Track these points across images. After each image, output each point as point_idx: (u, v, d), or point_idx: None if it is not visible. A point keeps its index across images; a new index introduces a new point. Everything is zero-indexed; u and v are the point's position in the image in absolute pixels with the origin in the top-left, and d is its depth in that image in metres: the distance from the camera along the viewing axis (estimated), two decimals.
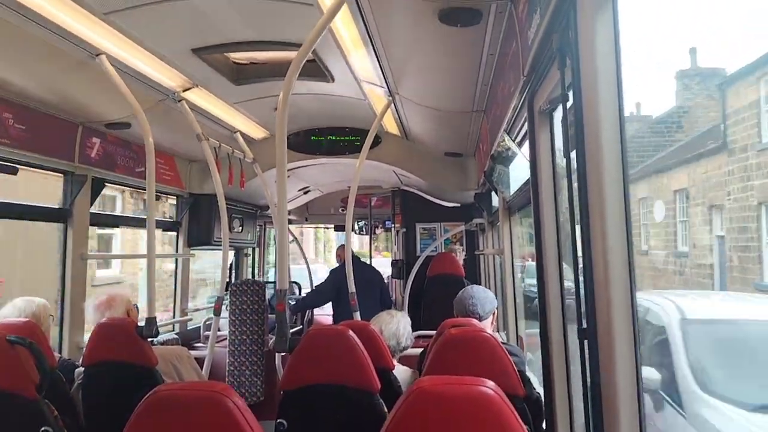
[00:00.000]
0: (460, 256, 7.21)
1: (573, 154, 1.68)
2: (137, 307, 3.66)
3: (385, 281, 7.22)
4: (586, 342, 1.65)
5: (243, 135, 5.01)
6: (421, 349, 3.56)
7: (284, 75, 2.65)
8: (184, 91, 3.90)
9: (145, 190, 3.63)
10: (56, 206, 4.17)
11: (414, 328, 5.82)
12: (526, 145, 2.88)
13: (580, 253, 1.65)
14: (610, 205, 1.50)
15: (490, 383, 1.39)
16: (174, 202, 5.81)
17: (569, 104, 1.71)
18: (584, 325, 1.66)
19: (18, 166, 3.66)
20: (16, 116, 3.52)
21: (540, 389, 2.85)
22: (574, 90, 1.59)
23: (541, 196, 2.39)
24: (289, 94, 2.74)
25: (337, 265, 7.13)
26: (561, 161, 2.38)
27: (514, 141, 3.11)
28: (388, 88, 3.90)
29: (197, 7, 2.90)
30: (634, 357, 1.50)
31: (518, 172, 3.94)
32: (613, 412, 1.51)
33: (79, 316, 4.04)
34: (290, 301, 7.80)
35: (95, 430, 2.99)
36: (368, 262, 7.63)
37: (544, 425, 2.57)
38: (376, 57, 3.33)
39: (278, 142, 2.76)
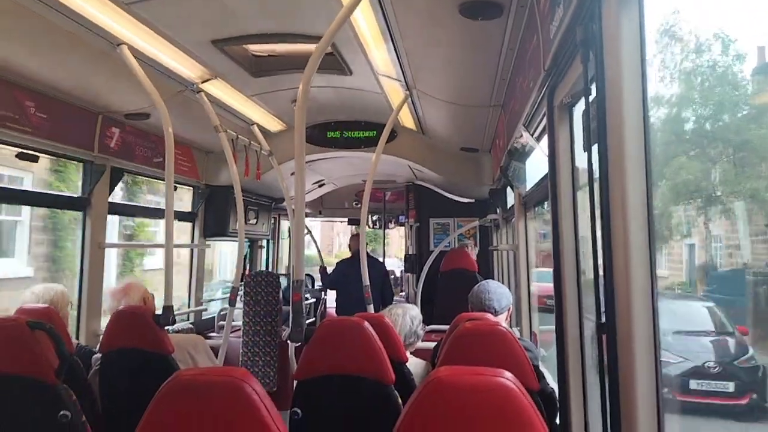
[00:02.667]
0: (473, 251, 7.19)
1: (594, 149, 1.67)
2: (154, 296, 3.70)
3: (390, 274, 7.32)
4: (604, 337, 1.64)
5: (260, 127, 5.03)
6: (434, 343, 3.56)
7: (302, 67, 2.66)
8: (203, 82, 3.92)
9: (163, 180, 3.66)
10: (75, 195, 4.22)
11: (426, 322, 5.87)
12: (544, 140, 2.87)
13: (600, 248, 1.64)
14: (632, 199, 1.49)
15: (508, 374, 1.39)
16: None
17: (591, 98, 1.70)
18: (603, 320, 1.65)
19: (38, 153, 3.71)
20: (37, 105, 3.55)
21: (553, 385, 2.84)
22: (597, 84, 1.58)
23: (559, 191, 2.38)
24: (308, 86, 2.74)
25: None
26: (579, 156, 2.37)
27: (532, 135, 3.10)
28: (405, 81, 3.90)
29: None
30: (653, 353, 1.49)
31: (534, 168, 3.93)
32: (631, 408, 1.50)
33: (97, 304, 4.09)
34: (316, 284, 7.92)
35: (112, 415, 3.02)
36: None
37: (557, 420, 2.56)
38: (395, 50, 3.32)
39: (297, 135, 2.77)
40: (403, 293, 8.87)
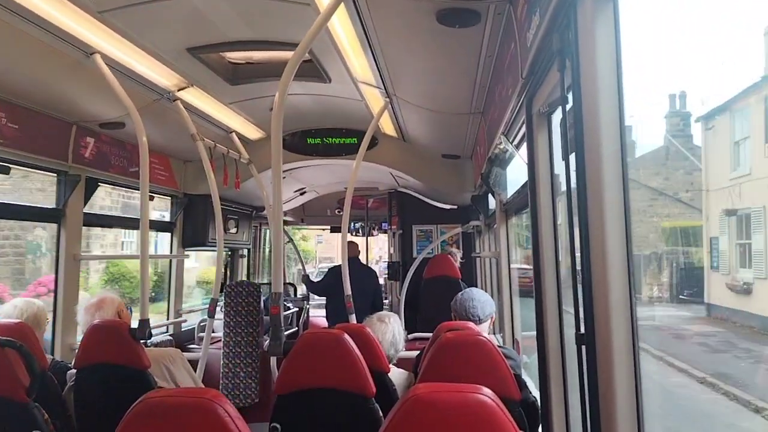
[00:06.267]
0: (458, 257, 7.18)
1: (572, 157, 1.66)
2: (130, 309, 3.63)
3: (380, 282, 7.31)
4: (584, 347, 1.62)
5: (238, 135, 4.98)
6: (417, 352, 3.53)
7: (280, 75, 2.63)
8: (179, 90, 3.87)
9: (139, 189, 3.59)
10: (50, 206, 4.14)
11: (410, 330, 5.86)
12: (524, 148, 2.86)
13: (578, 257, 1.63)
14: (609, 208, 1.48)
15: (487, 390, 1.36)
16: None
17: (569, 106, 1.68)
18: (582, 330, 1.64)
19: (10, 165, 3.63)
20: (9, 115, 3.48)
21: (536, 392, 2.83)
22: (574, 92, 1.57)
23: (538, 198, 2.36)
24: (285, 94, 2.71)
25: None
26: (559, 164, 2.36)
27: (512, 143, 3.09)
28: (385, 89, 3.88)
29: (193, 5, 2.88)
30: (633, 363, 1.48)
31: (515, 174, 3.93)
32: (611, 418, 1.48)
33: (72, 317, 4.00)
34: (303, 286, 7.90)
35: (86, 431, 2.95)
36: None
37: (540, 429, 2.54)
38: (374, 58, 3.30)
39: (274, 143, 2.73)
40: (387, 300, 8.83)
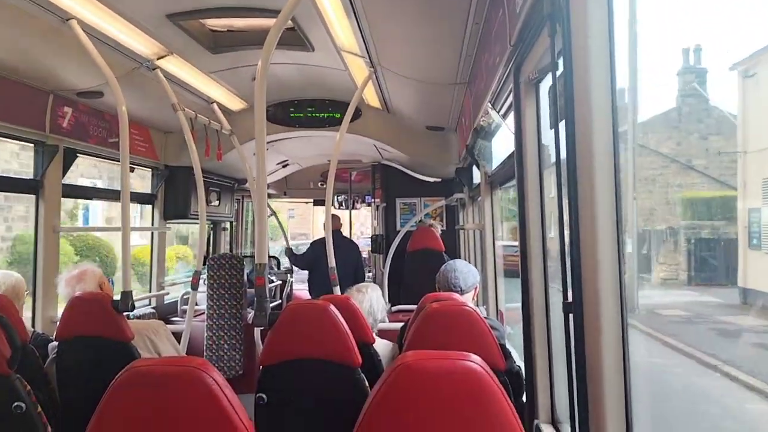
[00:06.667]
0: (438, 230, 7.19)
1: (561, 125, 1.64)
2: (112, 281, 3.58)
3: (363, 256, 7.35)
4: (571, 316, 1.62)
5: (220, 106, 4.90)
6: (401, 324, 3.54)
7: (262, 43, 2.57)
8: (158, 59, 3.78)
9: (119, 161, 3.53)
10: (27, 177, 4.06)
11: (393, 302, 5.88)
12: (510, 118, 2.84)
13: (567, 226, 1.62)
14: (599, 175, 1.46)
15: (476, 358, 1.36)
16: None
17: (559, 73, 1.66)
18: (569, 299, 1.64)
19: None
20: None
21: (520, 362, 2.85)
22: (565, 57, 1.54)
23: (525, 169, 2.35)
24: (268, 63, 2.66)
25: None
26: (546, 135, 2.35)
27: (498, 113, 3.06)
28: (369, 58, 3.82)
29: None
30: (620, 330, 1.48)
31: (501, 147, 3.91)
32: (598, 385, 1.49)
33: (52, 290, 3.95)
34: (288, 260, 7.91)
35: (70, 404, 2.92)
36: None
37: (524, 398, 2.57)
38: (358, 25, 3.24)
39: (257, 113, 2.69)
40: (370, 273, 8.85)
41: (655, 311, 12.82)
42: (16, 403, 2.30)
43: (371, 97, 5.13)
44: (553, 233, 2.25)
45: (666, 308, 13.29)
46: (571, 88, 1.52)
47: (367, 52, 3.71)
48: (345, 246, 6.67)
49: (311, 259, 6.88)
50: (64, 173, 4.17)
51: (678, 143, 18.81)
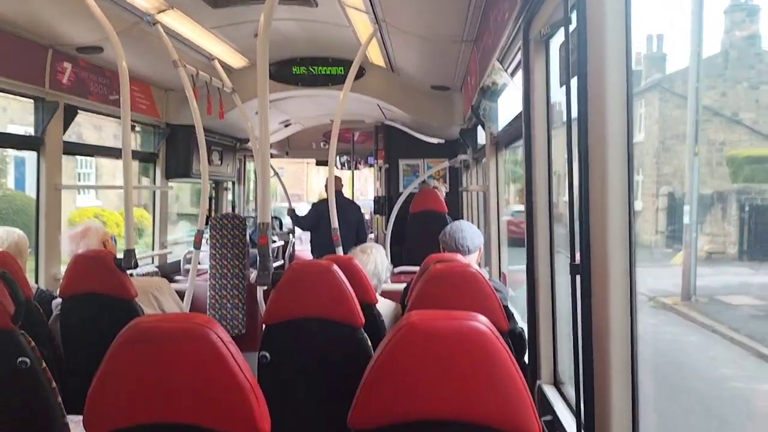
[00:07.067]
0: (442, 192, 7.16)
1: (573, 82, 1.59)
2: (115, 239, 3.58)
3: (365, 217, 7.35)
4: (578, 278, 1.61)
5: (222, 63, 4.81)
6: (404, 284, 3.54)
7: None
8: (159, 13, 3.70)
9: (119, 118, 3.48)
10: (28, 134, 4.02)
11: (396, 263, 5.89)
12: (518, 77, 2.78)
13: (576, 187, 1.59)
14: (611, 134, 1.43)
15: (482, 318, 1.34)
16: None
17: (572, 28, 1.60)
18: (577, 261, 1.62)
19: None
20: None
21: (522, 324, 2.86)
22: (578, 11, 1.49)
23: (533, 128, 2.31)
24: (270, 18, 2.59)
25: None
26: (555, 94, 2.30)
27: (506, 72, 3.00)
28: (374, 14, 3.73)
29: None
30: (629, 294, 1.46)
31: (507, 107, 3.85)
32: (604, 347, 1.48)
33: (55, 247, 3.95)
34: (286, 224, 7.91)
35: (74, 360, 2.95)
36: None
37: (526, 358, 2.58)
38: None
39: (259, 71, 2.63)
40: (372, 235, 8.86)
41: (718, 298, 10.10)
42: (20, 359, 2.30)
43: (375, 55, 5.04)
44: (560, 194, 2.22)
45: (727, 293, 10.38)
46: (584, 44, 1.47)
47: (372, 8, 3.62)
48: (347, 207, 6.66)
49: (314, 219, 6.88)
50: (65, 130, 4.13)
51: (723, 94, 16.19)
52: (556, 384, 2.34)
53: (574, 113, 1.59)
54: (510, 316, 2.69)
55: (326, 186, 7.33)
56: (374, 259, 3.33)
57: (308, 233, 7.41)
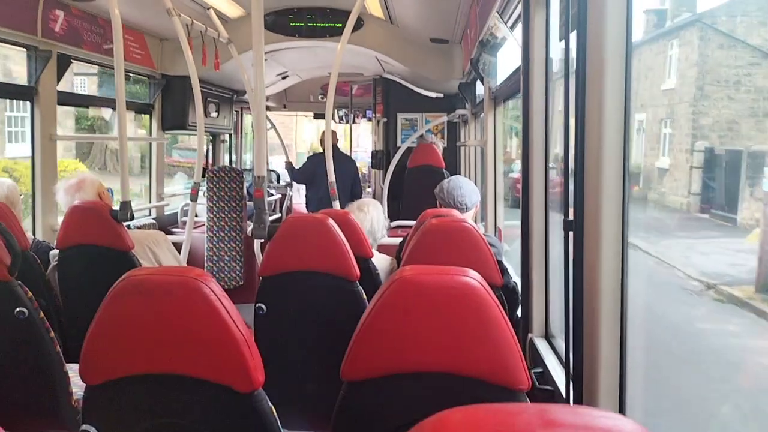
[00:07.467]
0: (440, 147, 7.13)
1: (572, 36, 1.57)
2: (111, 191, 3.57)
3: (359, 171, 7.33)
4: (571, 234, 1.62)
5: (217, 12, 4.71)
6: (400, 239, 3.56)
7: None
8: None
9: (113, 68, 3.43)
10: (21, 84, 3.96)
11: (392, 218, 5.90)
12: (518, 31, 2.74)
13: (572, 143, 1.58)
14: (609, 90, 1.41)
15: (474, 273, 1.36)
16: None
17: None
18: (570, 217, 1.62)
19: None
20: None
21: (516, 278, 2.89)
22: None
23: (531, 82, 2.28)
24: None
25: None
26: (554, 49, 2.26)
27: (506, 25, 2.95)
28: None
29: None
30: (620, 250, 1.47)
31: (506, 61, 3.80)
32: (595, 301, 1.50)
33: (51, 198, 3.95)
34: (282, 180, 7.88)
35: (72, 311, 2.98)
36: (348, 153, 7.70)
37: (519, 312, 2.61)
38: None
39: (254, 21, 2.59)
40: (370, 189, 8.85)
41: None
42: (18, 309, 2.33)
43: (374, 5, 4.94)
44: (558, 149, 2.21)
45: None
46: None
47: None
48: (342, 161, 6.63)
49: (310, 173, 6.85)
50: (59, 80, 4.07)
51: None
52: (548, 337, 2.38)
53: (573, 68, 1.57)
54: (504, 271, 2.71)
55: (321, 140, 7.31)
56: (371, 218, 3.33)
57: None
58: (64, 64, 4.08)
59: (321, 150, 6.21)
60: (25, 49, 3.90)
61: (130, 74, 5.19)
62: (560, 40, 1.72)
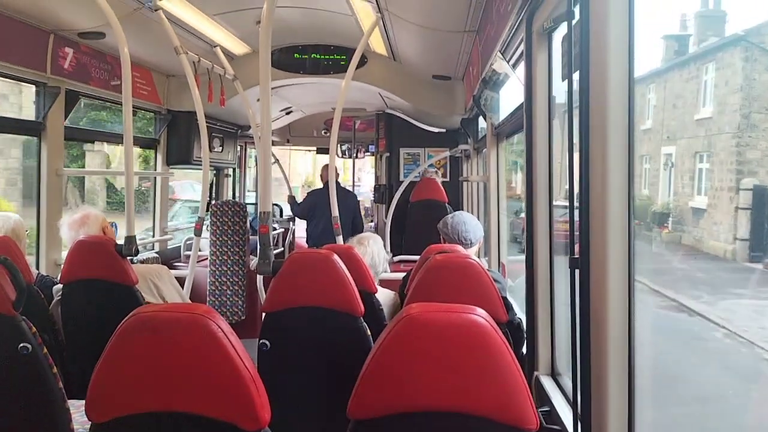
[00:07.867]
0: (438, 179, 7.15)
1: (575, 76, 1.59)
2: (115, 226, 3.59)
3: (362, 206, 7.34)
4: (577, 271, 1.62)
5: (223, 50, 4.80)
6: (403, 274, 3.55)
7: None
8: None
9: (121, 104, 3.48)
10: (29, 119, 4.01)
11: (395, 252, 5.90)
12: (520, 69, 2.78)
13: (576, 180, 1.59)
14: (613, 127, 1.43)
15: (481, 311, 1.35)
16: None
17: (574, 21, 1.60)
18: (576, 254, 1.62)
19: None
20: None
21: (521, 315, 2.87)
22: (581, 5, 1.49)
23: (534, 119, 2.31)
24: (273, 5, 2.59)
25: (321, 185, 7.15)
26: (556, 86, 2.30)
27: (508, 63, 2.99)
28: (377, 3, 3.72)
29: None
30: (627, 288, 1.47)
31: (508, 98, 3.84)
32: (602, 340, 1.50)
33: (56, 233, 3.96)
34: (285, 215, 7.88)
35: (75, 346, 2.97)
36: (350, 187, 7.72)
37: (524, 349, 2.59)
38: None
39: (262, 58, 2.63)
40: (373, 223, 8.86)
41: None
42: (22, 344, 2.32)
43: (377, 44, 5.02)
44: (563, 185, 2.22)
45: None
46: (587, 38, 1.47)
47: None
48: (343, 195, 6.66)
49: (310, 207, 6.85)
50: (67, 116, 4.13)
51: None
52: (554, 375, 2.35)
53: (576, 104, 1.59)
54: (509, 307, 2.70)
55: (321, 174, 7.34)
56: (371, 251, 3.33)
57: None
58: (72, 100, 4.14)
59: (317, 184, 6.24)
60: (34, 86, 3.97)
61: (137, 110, 5.26)
62: (563, 80, 1.75)
